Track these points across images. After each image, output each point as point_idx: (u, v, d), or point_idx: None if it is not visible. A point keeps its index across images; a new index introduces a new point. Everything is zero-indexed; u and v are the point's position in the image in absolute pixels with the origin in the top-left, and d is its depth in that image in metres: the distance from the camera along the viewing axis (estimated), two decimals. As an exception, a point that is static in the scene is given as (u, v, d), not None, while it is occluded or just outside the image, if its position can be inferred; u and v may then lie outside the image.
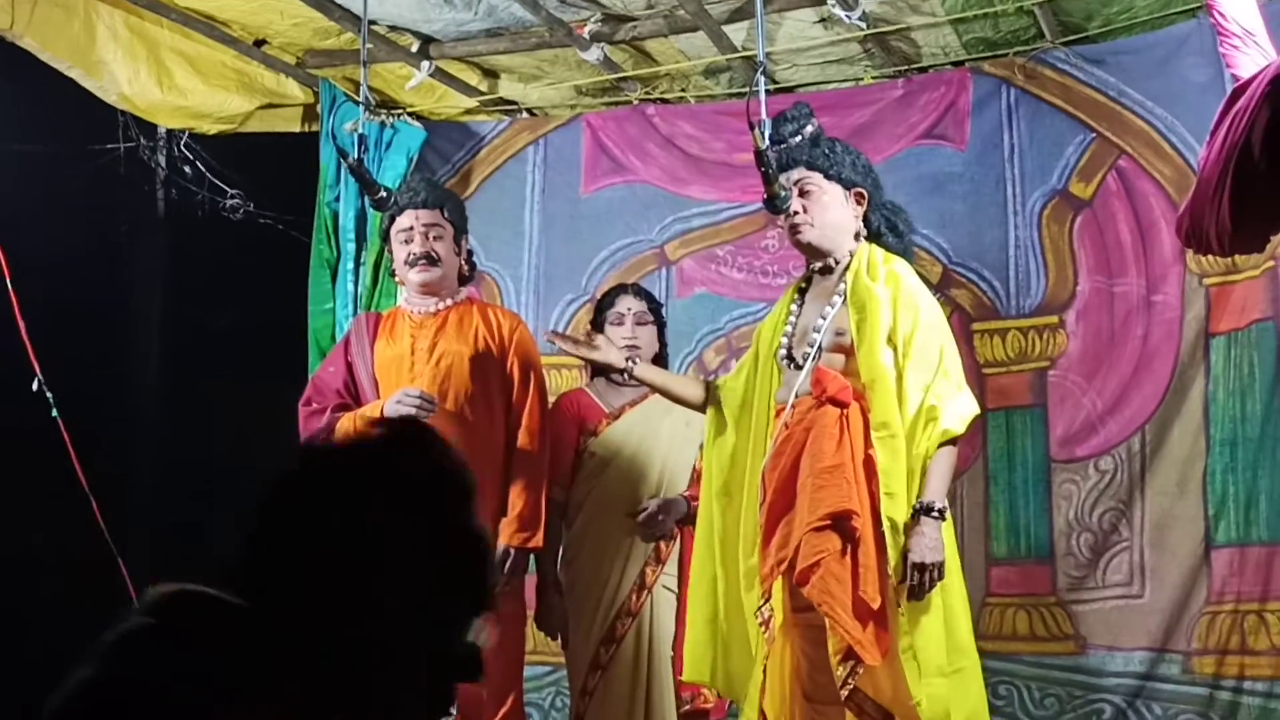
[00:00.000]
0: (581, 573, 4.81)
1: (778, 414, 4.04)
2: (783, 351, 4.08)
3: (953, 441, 3.83)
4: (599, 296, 5.19)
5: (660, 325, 4.94)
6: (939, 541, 3.76)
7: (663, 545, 4.75)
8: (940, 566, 3.74)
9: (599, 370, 4.87)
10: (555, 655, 5.14)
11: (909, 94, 5.76)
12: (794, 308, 4.15)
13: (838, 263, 4.06)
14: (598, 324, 4.93)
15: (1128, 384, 5.27)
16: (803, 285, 4.20)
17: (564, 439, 4.88)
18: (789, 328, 4.12)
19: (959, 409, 3.85)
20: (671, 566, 4.75)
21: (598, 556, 4.79)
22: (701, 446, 4.52)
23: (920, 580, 3.73)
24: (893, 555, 3.74)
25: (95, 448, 5.35)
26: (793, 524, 3.87)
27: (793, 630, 3.92)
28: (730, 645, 4.13)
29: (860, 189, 4.08)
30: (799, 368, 4.01)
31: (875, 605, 3.71)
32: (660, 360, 4.91)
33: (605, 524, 4.78)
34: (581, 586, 4.79)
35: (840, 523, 3.77)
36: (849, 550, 3.76)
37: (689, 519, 4.66)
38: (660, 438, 4.82)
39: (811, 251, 4.10)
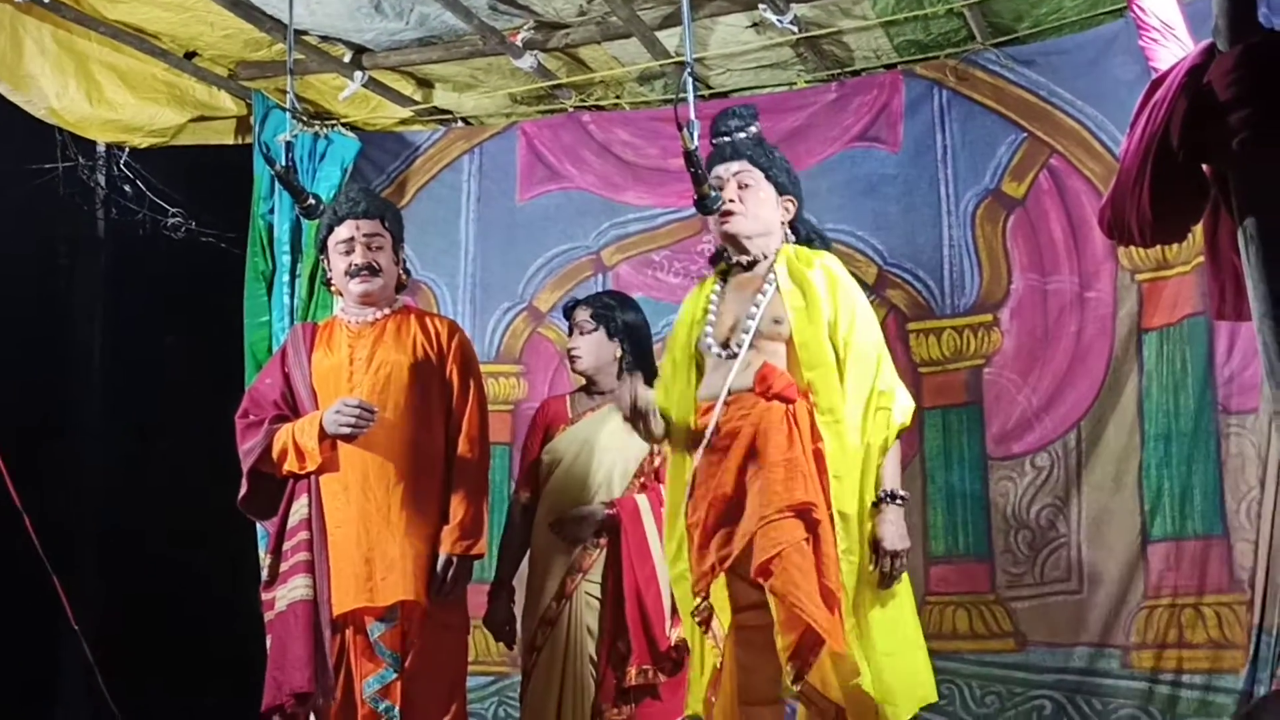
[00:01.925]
0: (528, 577, 4.85)
1: (704, 411, 4.04)
2: (709, 343, 4.08)
3: (899, 434, 3.92)
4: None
5: (611, 329, 4.90)
6: (904, 528, 3.86)
7: (585, 555, 4.74)
8: (907, 554, 3.84)
9: (587, 382, 4.95)
10: (499, 665, 5.14)
11: (842, 97, 5.80)
12: (713, 300, 4.16)
13: (765, 257, 4.09)
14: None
15: (1062, 380, 5.31)
16: (718, 281, 4.21)
17: (529, 444, 4.99)
18: (710, 320, 4.12)
19: (903, 401, 3.92)
20: (595, 575, 4.72)
21: (533, 562, 4.84)
22: (650, 454, 4.65)
23: (892, 567, 3.81)
24: (843, 539, 3.78)
25: (36, 466, 5.31)
26: (739, 520, 3.88)
27: (730, 638, 3.94)
28: None
29: (791, 197, 4.13)
30: (732, 357, 4.01)
31: (840, 594, 3.75)
32: (623, 363, 4.89)
33: (544, 531, 4.80)
34: (526, 591, 4.84)
35: (802, 515, 3.80)
36: (810, 541, 3.79)
37: (608, 529, 4.70)
38: (599, 444, 4.82)
39: (737, 244, 4.11)
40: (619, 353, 4.90)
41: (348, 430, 4.38)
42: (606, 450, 4.79)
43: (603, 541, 4.73)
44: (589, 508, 4.74)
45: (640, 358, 4.94)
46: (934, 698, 3.94)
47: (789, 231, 4.14)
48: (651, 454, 4.78)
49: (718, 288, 4.18)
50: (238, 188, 6.11)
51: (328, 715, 4.43)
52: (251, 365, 5.82)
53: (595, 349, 4.90)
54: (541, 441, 4.94)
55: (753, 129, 4.18)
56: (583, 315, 4.93)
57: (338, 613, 4.35)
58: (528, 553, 4.88)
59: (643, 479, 4.79)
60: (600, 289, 5.83)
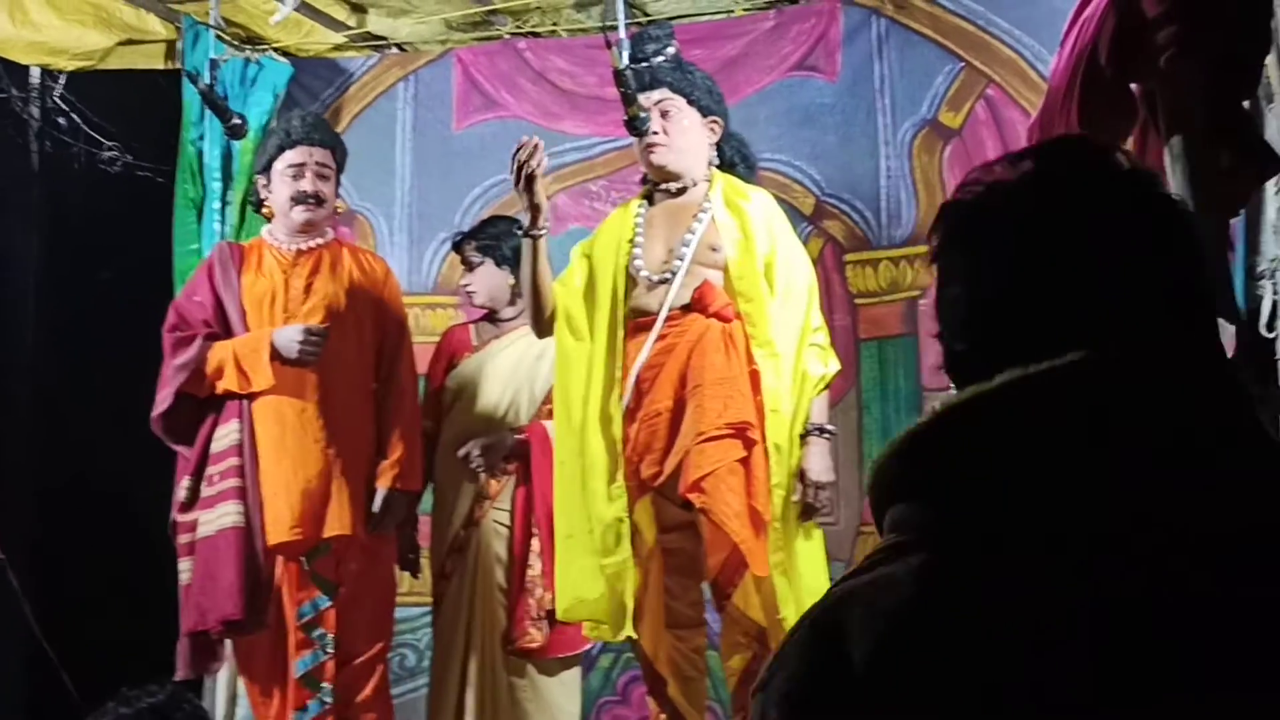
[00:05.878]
0: (434, 506, 4.87)
1: (633, 330, 4.02)
2: (639, 265, 4.05)
3: (829, 383, 4.01)
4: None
5: (498, 258, 4.88)
6: (830, 462, 3.91)
7: (492, 482, 4.74)
8: (833, 488, 3.85)
9: (489, 313, 4.93)
10: (431, 596, 5.13)
11: (780, 25, 5.74)
12: (638, 223, 4.12)
13: (695, 184, 4.07)
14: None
15: (998, 310, 5.31)
16: (642, 203, 4.18)
17: (433, 373, 4.96)
18: (639, 243, 4.09)
19: (831, 357, 4.02)
20: (503, 502, 4.74)
21: (439, 490, 4.84)
22: None
23: (816, 498, 3.84)
24: (776, 472, 3.80)
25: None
26: (671, 436, 3.87)
27: (653, 558, 3.93)
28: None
29: (716, 118, 4.12)
30: (664, 283, 3.99)
31: (768, 517, 3.75)
32: (515, 290, 4.83)
33: (448, 458, 4.79)
34: (434, 520, 4.86)
35: (740, 434, 3.83)
36: (744, 461, 3.81)
37: (516, 455, 4.69)
38: (505, 371, 4.82)
39: (664, 174, 4.10)
40: (511, 280, 4.87)
41: (308, 358, 4.35)
42: (513, 377, 4.79)
43: (511, 468, 4.73)
44: (498, 435, 4.74)
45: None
46: None
47: (714, 154, 4.12)
48: None
49: (642, 210, 4.15)
50: (175, 121, 6.01)
51: (255, 643, 4.42)
52: (182, 294, 5.74)
53: (487, 281, 4.90)
54: (445, 370, 4.93)
55: (669, 50, 4.16)
56: (469, 250, 4.94)
57: (273, 543, 4.33)
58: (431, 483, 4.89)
59: (549, 405, 4.78)
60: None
